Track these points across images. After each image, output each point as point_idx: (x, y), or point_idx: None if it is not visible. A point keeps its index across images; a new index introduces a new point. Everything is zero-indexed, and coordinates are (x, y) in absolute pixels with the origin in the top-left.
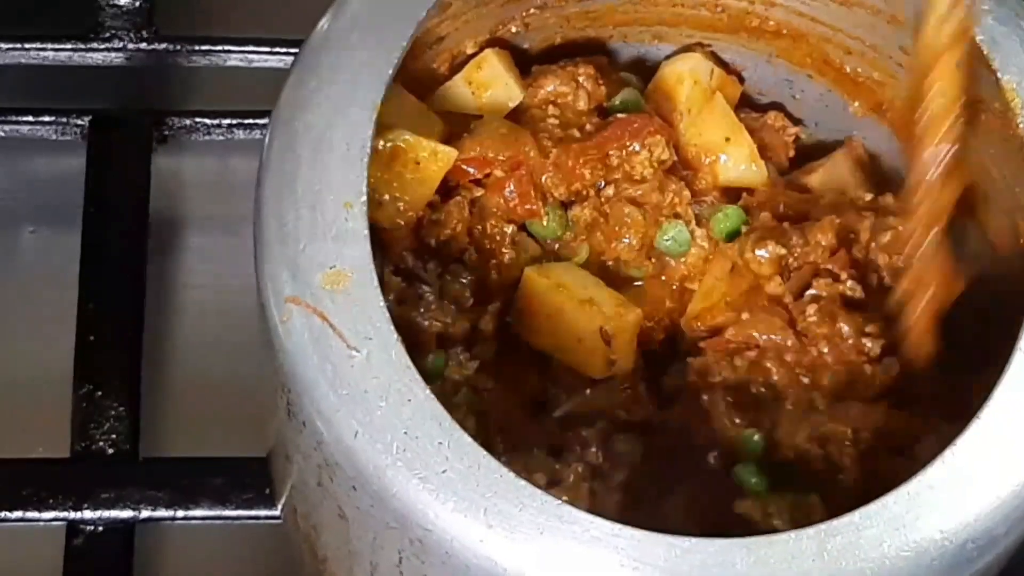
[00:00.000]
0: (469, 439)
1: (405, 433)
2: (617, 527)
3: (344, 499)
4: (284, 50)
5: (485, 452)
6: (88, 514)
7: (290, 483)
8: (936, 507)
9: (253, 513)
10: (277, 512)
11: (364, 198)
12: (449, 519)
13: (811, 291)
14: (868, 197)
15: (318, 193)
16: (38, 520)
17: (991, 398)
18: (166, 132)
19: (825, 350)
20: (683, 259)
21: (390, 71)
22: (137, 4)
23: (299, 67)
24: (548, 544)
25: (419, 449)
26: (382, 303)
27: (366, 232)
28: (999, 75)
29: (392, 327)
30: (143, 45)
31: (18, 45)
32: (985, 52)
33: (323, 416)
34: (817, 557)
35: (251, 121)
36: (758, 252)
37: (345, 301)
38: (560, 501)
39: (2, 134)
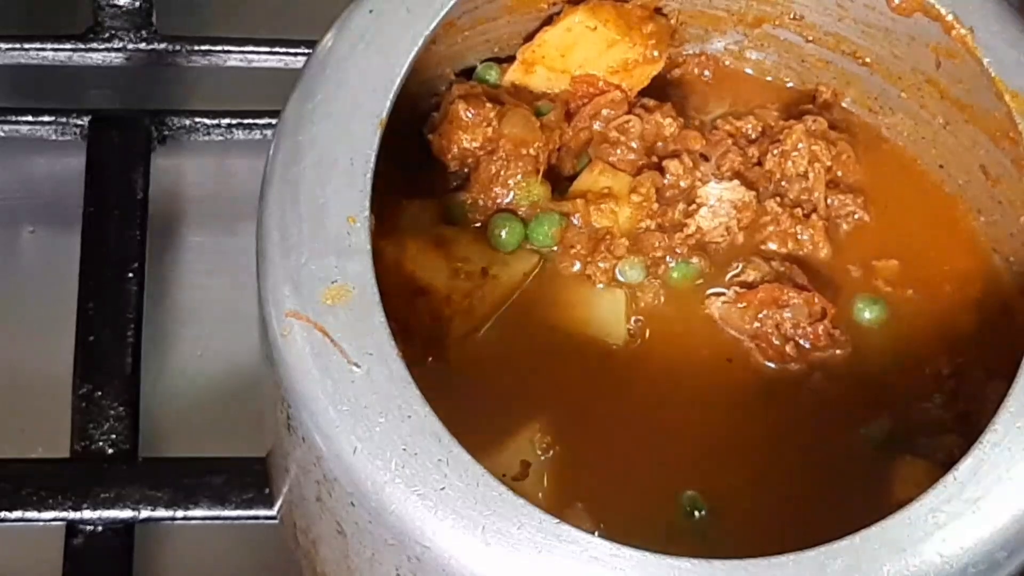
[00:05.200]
0: (468, 456)
1: (404, 449)
2: (616, 547)
3: (343, 515)
4: (284, 50)
5: (484, 470)
6: (88, 514)
7: (289, 497)
8: (937, 531)
9: (252, 513)
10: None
11: (367, 213)
12: (447, 536)
13: None
14: None
15: (321, 207)
16: (38, 520)
17: (994, 423)
18: (166, 132)
19: None
20: None
21: (395, 86)
22: (137, 4)
23: (304, 81)
24: (546, 563)
25: (418, 466)
26: (383, 318)
27: (368, 247)
28: (1005, 85)
29: (393, 343)
30: (143, 45)
31: (18, 45)
32: (992, 71)
33: (322, 431)
34: None
35: (251, 121)
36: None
37: (346, 316)
38: (559, 520)
39: (2, 134)
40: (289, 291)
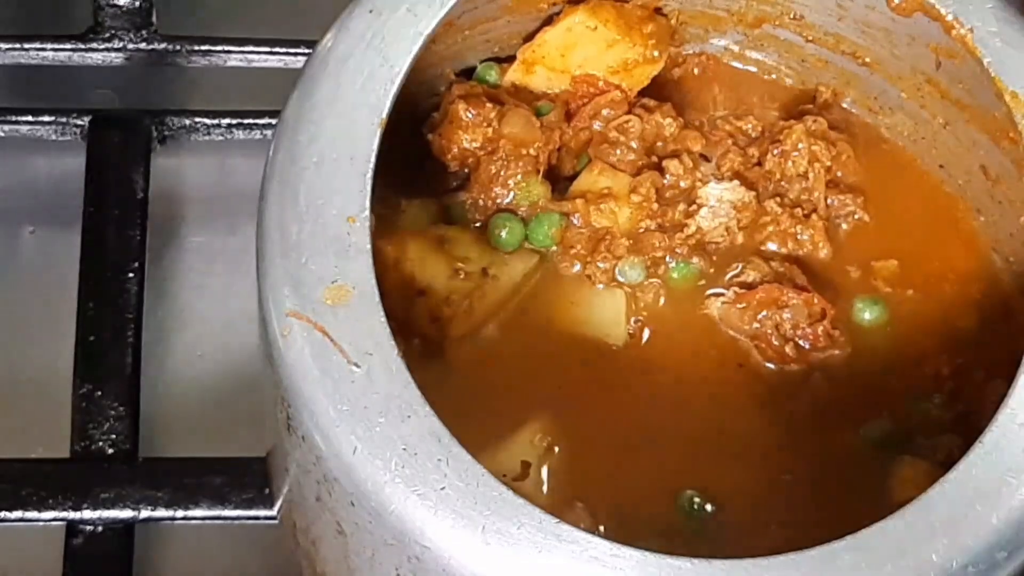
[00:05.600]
0: (469, 456)
1: (404, 449)
2: (616, 547)
3: (342, 515)
4: (284, 50)
5: (484, 470)
6: (88, 514)
7: (289, 497)
8: (936, 531)
9: (252, 513)
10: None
11: (367, 212)
12: (447, 536)
13: None
14: None
15: (321, 207)
16: (38, 520)
17: (994, 422)
18: (166, 132)
19: None
20: None
21: (395, 86)
22: (137, 4)
23: (304, 81)
24: (546, 563)
25: (418, 466)
26: (383, 318)
27: (368, 247)
28: (1006, 86)
29: (393, 343)
30: (143, 45)
31: (18, 45)
32: (992, 71)
33: (322, 431)
34: None
35: (251, 121)
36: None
37: (346, 316)
38: (558, 520)
39: (2, 134)
40: (289, 291)
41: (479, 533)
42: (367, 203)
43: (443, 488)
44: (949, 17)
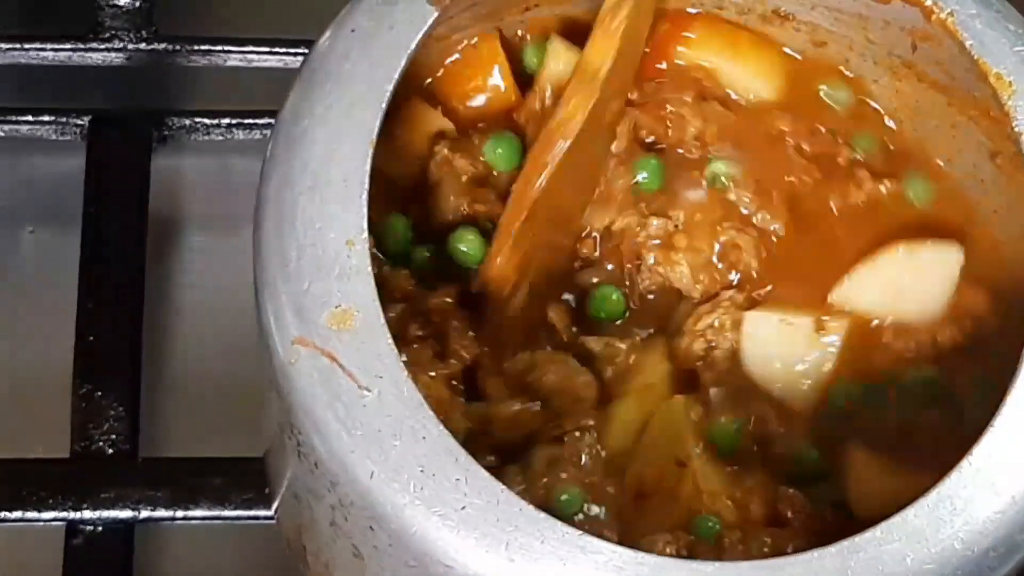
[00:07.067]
0: (486, 473)
1: (421, 471)
2: (640, 555)
3: (360, 538)
4: (284, 50)
5: (503, 486)
6: (88, 514)
7: (299, 521)
8: (956, 517)
9: (253, 513)
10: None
11: (365, 234)
12: (471, 555)
13: None
14: None
15: (319, 231)
16: (38, 520)
17: (1004, 404)
18: (166, 132)
19: None
20: None
21: (383, 105)
22: (137, 4)
23: (293, 101)
24: (571, 575)
25: (436, 486)
26: (390, 340)
27: (369, 269)
28: (990, 67)
29: (401, 364)
30: (143, 45)
31: (18, 45)
32: (974, 53)
33: (337, 457)
34: (840, 574)
35: (251, 121)
36: None
37: (352, 340)
38: (581, 532)
39: (2, 134)
40: (293, 318)
41: (503, 550)
42: (364, 225)
43: (463, 507)
44: (928, 2)
